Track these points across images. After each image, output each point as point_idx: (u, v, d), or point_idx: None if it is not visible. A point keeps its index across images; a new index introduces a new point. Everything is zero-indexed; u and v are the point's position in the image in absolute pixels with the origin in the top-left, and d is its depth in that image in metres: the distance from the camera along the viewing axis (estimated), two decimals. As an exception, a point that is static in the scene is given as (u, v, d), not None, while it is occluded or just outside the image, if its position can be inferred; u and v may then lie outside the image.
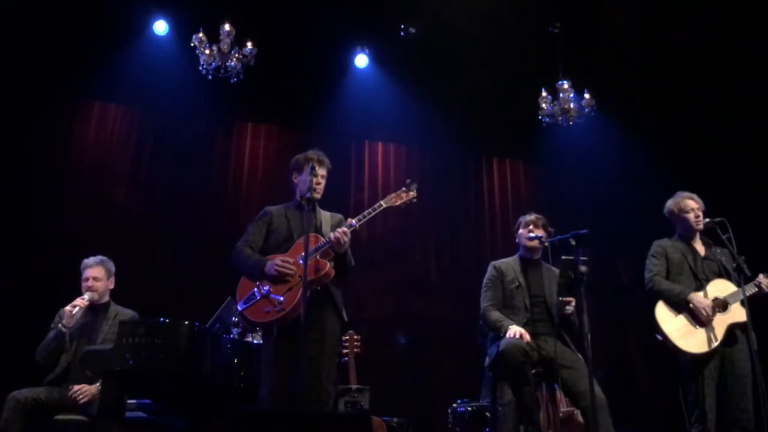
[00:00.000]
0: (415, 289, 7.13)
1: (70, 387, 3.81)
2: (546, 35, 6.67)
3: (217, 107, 6.66)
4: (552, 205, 6.85)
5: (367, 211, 3.42)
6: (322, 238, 3.40)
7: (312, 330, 3.21)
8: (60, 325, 3.91)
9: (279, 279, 3.32)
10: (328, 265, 3.34)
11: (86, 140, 6.43)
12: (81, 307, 3.92)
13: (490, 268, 4.04)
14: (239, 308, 3.39)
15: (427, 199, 7.21)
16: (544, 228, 3.97)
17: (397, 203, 3.46)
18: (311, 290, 3.22)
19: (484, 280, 4.01)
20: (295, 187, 3.64)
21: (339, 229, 3.34)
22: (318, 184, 3.49)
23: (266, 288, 3.33)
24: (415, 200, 3.49)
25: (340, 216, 3.69)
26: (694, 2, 6.12)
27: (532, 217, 4.02)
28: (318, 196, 3.53)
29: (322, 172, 3.56)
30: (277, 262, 3.33)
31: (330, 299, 3.43)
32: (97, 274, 4.11)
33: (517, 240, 4.09)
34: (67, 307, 3.91)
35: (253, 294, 3.35)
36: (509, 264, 4.01)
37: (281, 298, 3.28)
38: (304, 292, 3.05)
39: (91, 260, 4.17)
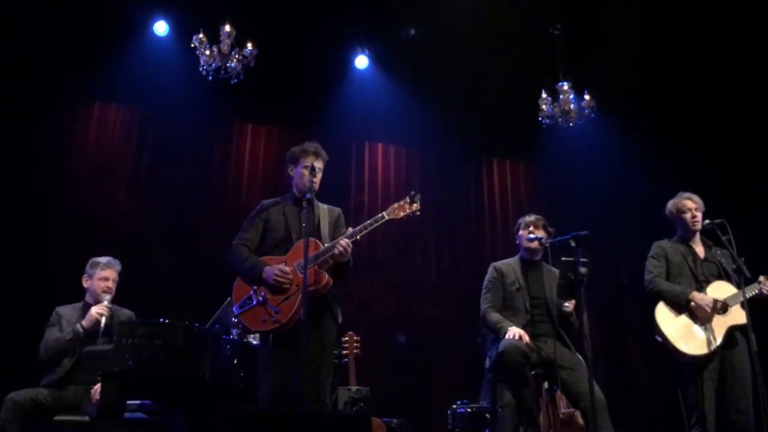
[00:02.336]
0: (415, 290, 7.13)
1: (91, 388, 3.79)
2: (546, 36, 6.67)
3: (218, 108, 6.65)
4: (552, 206, 6.86)
5: (368, 222, 3.34)
6: (320, 244, 3.35)
7: (309, 334, 3.20)
8: (79, 325, 3.87)
9: (276, 288, 3.29)
10: (326, 277, 3.31)
11: (87, 140, 6.43)
12: (107, 316, 3.89)
13: (490, 270, 4.03)
14: (234, 311, 3.37)
15: (427, 200, 7.10)
16: (545, 228, 3.97)
17: (400, 215, 3.34)
18: (308, 298, 3.19)
19: (485, 282, 4.01)
20: (291, 180, 3.60)
21: (342, 242, 3.28)
22: (312, 176, 3.39)
23: (263, 294, 3.31)
24: (418, 213, 3.35)
25: (338, 210, 3.64)
26: (694, 2, 6.12)
27: (531, 218, 4.02)
28: (315, 187, 3.47)
29: (319, 165, 3.52)
30: (275, 271, 3.29)
31: (326, 303, 3.41)
32: (115, 276, 4.10)
33: (517, 241, 4.08)
34: (95, 312, 3.86)
35: (250, 298, 3.33)
36: (510, 265, 4.00)
37: (277, 309, 3.26)
38: (305, 301, 3.03)
39: (106, 260, 4.12)
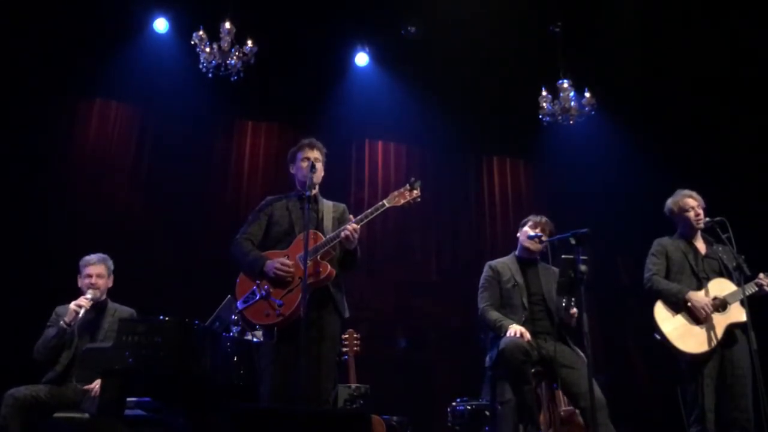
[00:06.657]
0: (415, 288, 7.13)
1: (87, 388, 3.80)
2: (546, 34, 6.66)
3: (218, 105, 6.65)
4: (552, 204, 6.87)
5: (369, 211, 3.34)
6: (322, 236, 3.35)
7: (311, 330, 3.19)
8: (62, 321, 3.90)
9: (278, 281, 3.29)
10: (328, 268, 3.30)
11: (87, 138, 6.43)
12: (86, 308, 3.91)
13: (486, 269, 4.04)
14: (238, 307, 3.36)
15: (427, 198, 7.16)
16: (550, 234, 3.95)
17: (401, 203, 3.35)
18: (311, 290, 3.18)
19: (481, 281, 4.01)
20: (294, 178, 3.62)
21: (349, 226, 3.28)
22: (312, 168, 3.39)
23: (266, 288, 3.30)
24: (419, 199, 3.37)
25: (342, 206, 3.65)
26: (694, 1, 6.12)
27: (541, 219, 3.99)
28: (316, 179, 3.47)
29: (315, 155, 3.52)
30: (276, 264, 3.28)
31: (329, 298, 3.39)
32: (101, 271, 4.11)
33: (518, 235, 4.08)
34: (72, 306, 3.90)
35: (253, 293, 3.32)
36: (505, 263, 4.00)
37: (280, 302, 3.25)
38: (304, 294, 3.02)
39: (93, 258, 4.15)
